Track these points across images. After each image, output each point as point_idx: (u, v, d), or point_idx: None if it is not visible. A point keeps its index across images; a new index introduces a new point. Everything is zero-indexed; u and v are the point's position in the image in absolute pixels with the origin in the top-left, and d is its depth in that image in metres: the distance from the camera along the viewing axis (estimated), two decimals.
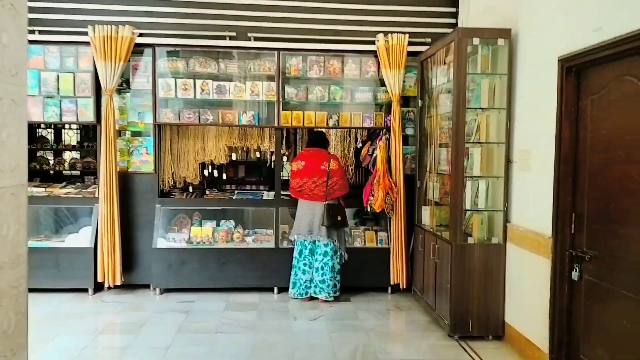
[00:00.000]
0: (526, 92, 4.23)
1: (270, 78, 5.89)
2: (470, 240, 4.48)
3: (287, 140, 6.39)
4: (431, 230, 5.19)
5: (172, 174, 6.17)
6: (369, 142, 6.38)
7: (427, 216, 5.53)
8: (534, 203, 4.06)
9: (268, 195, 6.19)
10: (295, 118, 5.87)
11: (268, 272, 5.82)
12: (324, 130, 6.36)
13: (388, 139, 5.90)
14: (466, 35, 4.39)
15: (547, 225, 3.80)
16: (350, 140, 6.39)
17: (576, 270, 3.56)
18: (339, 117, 5.94)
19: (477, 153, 4.51)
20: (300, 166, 5.43)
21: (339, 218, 5.41)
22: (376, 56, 5.82)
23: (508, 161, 4.45)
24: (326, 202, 5.35)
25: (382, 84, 5.97)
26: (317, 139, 5.66)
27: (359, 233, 6.04)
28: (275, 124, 5.86)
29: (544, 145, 3.89)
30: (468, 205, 4.50)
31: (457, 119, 4.41)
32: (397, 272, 5.80)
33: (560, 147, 3.68)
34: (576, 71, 3.61)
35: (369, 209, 5.79)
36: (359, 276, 5.89)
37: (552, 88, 3.76)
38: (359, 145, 6.40)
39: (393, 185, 5.72)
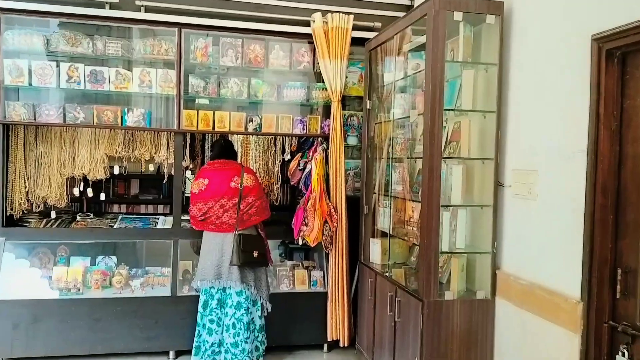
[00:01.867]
0: (528, 88, 3.03)
1: (167, 64, 4.34)
2: (447, 295, 3.19)
3: (191, 150, 4.84)
4: (385, 273, 3.86)
5: (27, 192, 4.41)
6: (300, 154, 4.98)
7: (377, 252, 4.21)
8: (544, 246, 2.84)
9: (164, 222, 4.61)
10: (203, 120, 4.36)
11: (162, 330, 4.23)
12: (237, 138, 4.89)
13: (326, 150, 4.54)
14: (445, 8, 3.12)
15: (572, 282, 2.58)
16: (275, 151, 4.96)
17: (623, 355, 2.36)
18: (261, 120, 4.50)
19: (456, 172, 3.25)
20: (202, 186, 3.91)
21: (256, 254, 3.92)
22: (311, 42, 4.44)
23: (498, 184, 3.22)
24: (237, 233, 3.87)
25: (319, 78, 4.60)
26: (226, 148, 4.16)
27: (286, 272, 4.60)
28: (175, 127, 4.32)
29: (561, 165, 2.69)
30: (445, 246, 3.22)
31: (433, 124, 3.12)
32: (337, 325, 4.42)
33: (596, 168, 2.48)
34: (621, 56, 2.43)
35: (300, 242, 4.37)
36: (287, 331, 4.45)
37: (580, 81, 2.56)
38: (287, 157, 4.98)
39: (332, 210, 4.35)
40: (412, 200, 4.02)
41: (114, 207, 6.32)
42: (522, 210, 3.03)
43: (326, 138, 4.61)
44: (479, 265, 3.32)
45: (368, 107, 4.32)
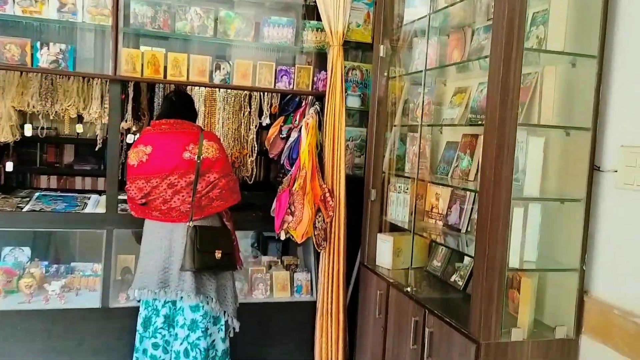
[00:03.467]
0: None
1: None
2: (515, 334, 2.10)
3: (135, 107, 3.57)
4: (406, 288, 2.76)
5: None
6: (283, 118, 3.79)
7: (387, 253, 3.10)
8: None
9: (97, 203, 3.37)
10: (151, 64, 3.11)
11: (88, 354, 3.04)
12: (198, 93, 3.65)
13: (319, 114, 3.37)
14: None
15: None
16: (250, 113, 3.74)
17: None
18: (232, 68, 3.27)
19: (535, 147, 2.12)
20: (143, 156, 2.70)
21: (219, 254, 2.75)
22: None
23: (594, 168, 2.13)
24: (192, 224, 2.69)
25: (313, 14, 3.41)
26: (180, 104, 2.96)
27: (260, 273, 3.45)
28: (110, 73, 3.05)
29: None
30: (515, 260, 2.11)
31: (507, 72, 1.97)
32: (328, 346, 3.32)
33: None
34: None
35: (283, 236, 3.22)
36: (261, 354, 3.33)
37: None
38: (265, 121, 3.78)
39: (327, 195, 3.20)
40: (436, 184, 2.93)
41: (41, 179, 5.00)
42: (633, 208, 1.95)
43: (320, 97, 3.43)
44: (557, 287, 2.24)
45: (380, 54, 3.14)
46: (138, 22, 3.09)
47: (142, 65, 3.11)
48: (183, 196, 2.68)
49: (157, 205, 2.67)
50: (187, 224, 2.68)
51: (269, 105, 3.74)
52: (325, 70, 3.42)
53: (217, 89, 3.55)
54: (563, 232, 2.20)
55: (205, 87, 3.38)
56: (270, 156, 3.82)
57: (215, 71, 3.25)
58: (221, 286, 2.86)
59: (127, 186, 2.72)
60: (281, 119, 3.83)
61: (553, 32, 2.08)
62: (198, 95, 3.59)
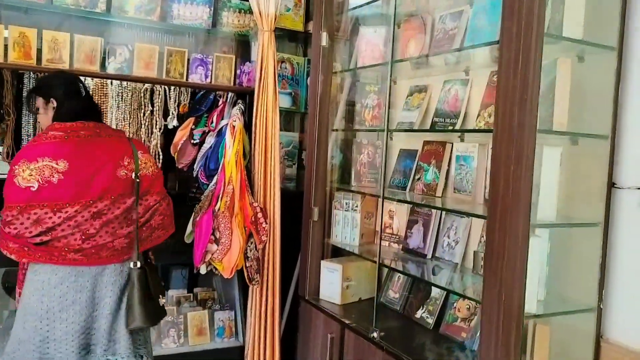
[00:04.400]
0: None
1: None
2: None
3: None
4: (364, 329, 2.23)
5: None
6: (193, 119, 3.09)
7: (335, 284, 2.55)
8: None
9: None
10: (19, 44, 2.30)
11: None
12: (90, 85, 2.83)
13: (244, 113, 2.74)
14: None
15: None
16: (153, 112, 2.98)
17: None
18: (131, 53, 2.53)
19: (551, 158, 1.68)
20: (53, 175, 1.83)
21: (162, 300, 2.09)
22: None
23: (612, 185, 1.75)
24: (139, 264, 1.97)
25: None
26: (92, 99, 2.16)
27: (170, 315, 2.74)
28: None
29: None
30: (532, 303, 1.65)
31: (526, 65, 1.51)
32: None
33: None
34: None
35: (204, 270, 2.53)
36: None
37: None
38: (173, 123, 3.04)
39: (260, 215, 2.58)
40: (389, 199, 2.47)
41: None
42: None
43: (242, 94, 2.81)
44: (568, 330, 1.84)
45: (322, 42, 2.58)
46: None
47: (6, 47, 2.28)
48: (114, 228, 1.91)
49: (71, 244, 1.84)
50: (132, 263, 1.93)
51: (176, 103, 3.00)
52: (250, 61, 2.81)
53: (109, 81, 2.76)
54: (575, 263, 1.81)
55: (94, 77, 2.58)
56: (179, 166, 3.09)
57: (109, 57, 2.49)
58: (148, 338, 2.14)
59: (5, 217, 1.85)
60: (191, 120, 3.12)
61: (570, 17, 1.67)
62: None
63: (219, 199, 2.53)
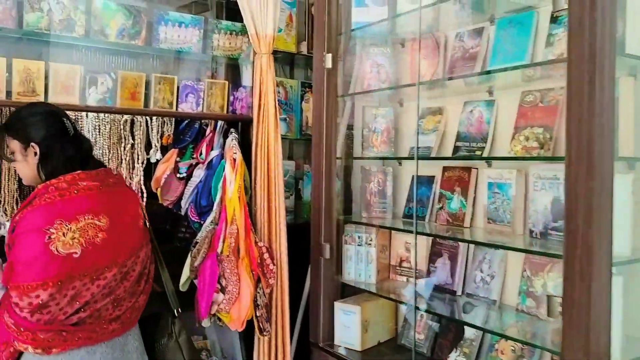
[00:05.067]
0: None
1: None
2: None
3: None
4: None
5: None
6: (176, 151, 2.82)
7: (354, 328, 2.33)
8: None
9: None
10: None
11: None
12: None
13: (239, 143, 2.50)
14: None
15: None
16: (134, 145, 2.67)
17: None
18: (115, 82, 2.25)
19: (622, 188, 1.54)
20: (97, 235, 1.51)
21: None
22: None
23: None
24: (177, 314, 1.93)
25: (221, 12, 2.55)
26: (81, 138, 1.75)
27: None
28: None
29: None
30: (617, 354, 1.50)
31: (602, 82, 1.37)
32: None
33: None
34: None
35: (208, 323, 2.25)
36: None
37: None
38: (156, 157, 2.75)
39: (267, 256, 2.33)
40: (404, 231, 2.30)
41: None
42: None
43: (234, 122, 2.57)
44: None
45: (327, 64, 2.38)
46: None
47: None
48: (137, 285, 1.65)
49: (103, 315, 1.53)
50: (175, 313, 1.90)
51: (159, 134, 2.72)
52: (243, 87, 2.58)
53: (84, 113, 2.45)
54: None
55: (74, 110, 2.28)
56: (165, 204, 2.80)
57: (90, 87, 2.20)
58: None
59: (33, 302, 1.43)
60: (174, 152, 2.83)
61: (632, 33, 1.55)
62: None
63: (221, 240, 2.26)
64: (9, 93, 2.04)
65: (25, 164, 1.62)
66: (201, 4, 2.50)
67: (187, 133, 2.85)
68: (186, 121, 2.81)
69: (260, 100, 2.40)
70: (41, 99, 2.09)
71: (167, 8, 2.41)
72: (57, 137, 1.61)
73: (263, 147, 2.39)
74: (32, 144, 1.59)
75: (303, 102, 2.86)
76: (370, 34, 2.44)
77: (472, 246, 2.14)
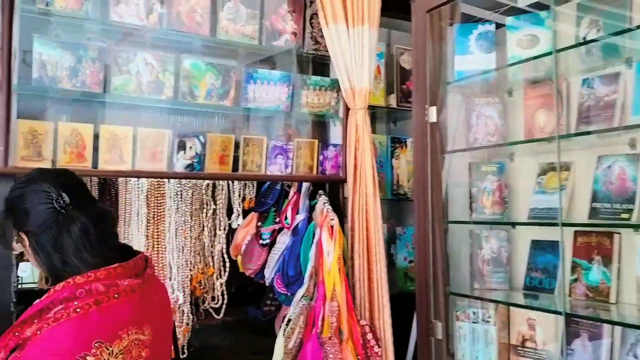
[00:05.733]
0: None
1: None
2: None
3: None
4: None
5: None
6: (257, 215, 2.63)
7: None
8: None
9: None
10: (71, 144, 1.83)
11: None
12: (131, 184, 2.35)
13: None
14: None
15: None
16: (216, 210, 2.49)
17: None
18: (204, 145, 2.07)
19: None
20: (144, 350, 1.13)
21: None
22: None
23: None
24: None
25: (308, 67, 2.39)
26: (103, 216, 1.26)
27: None
28: None
29: None
30: None
31: None
32: None
33: None
34: None
35: None
36: None
37: None
38: (238, 222, 2.56)
39: (370, 335, 2.05)
40: (527, 307, 1.98)
41: None
42: None
43: (321, 183, 2.36)
44: None
45: (432, 119, 2.15)
46: (47, 76, 1.81)
47: (55, 148, 1.81)
48: None
49: None
50: None
51: (240, 197, 2.54)
52: (331, 145, 2.38)
53: (165, 180, 2.30)
54: None
55: (162, 178, 2.13)
56: (247, 273, 2.59)
57: (178, 152, 2.04)
58: None
59: None
60: (254, 216, 2.66)
61: None
62: (134, 189, 2.30)
63: (320, 319, 2.00)
64: (95, 161, 1.89)
65: (27, 253, 1.22)
66: (286, 59, 2.34)
67: (268, 195, 2.67)
68: (267, 183, 2.63)
69: (355, 159, 2.19)
70: (128, 166, 1.94)
71: (255, 62, 2.26)
72: (51, 219, 1.16)
73: (361, 211, 2.15)
74: (20, 232, 1.20)
75: (393, 158, 2.64)
76: (476, 83, 2.22)
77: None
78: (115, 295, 1.11)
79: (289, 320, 2.14)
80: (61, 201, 1.16)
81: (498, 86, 2.22)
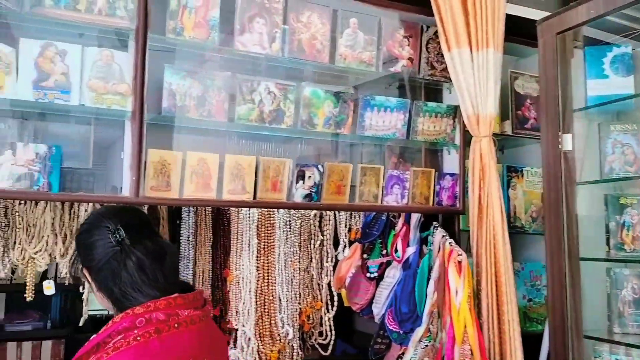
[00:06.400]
0: None
1: (107, 36, 1.76)
2: None
3: None
4: None
5: None
6: (360, 246, 2.54)
7: None
8: None
9: None
10: (197, 174, 1.80)
11: None
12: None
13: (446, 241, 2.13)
14: None
15: None
16: (324, 242, 2.41)
17: None
18: (321, 175, 2.00)
19: None
20: None
21: None
22: (415, 20, 2.16)
23: None
24: None
25: (429, 94, 2.30)
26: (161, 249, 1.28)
27: None
28: (129, 193, 1.67)
29: None
30: None
31: None
32: None
33: None
34: None
35: None
36: None
37: None
38: (344, 253, 2.47)
39: None
40: None
41: None
42: None
43: (433, 214, 2.24)
44: None
45: (567, 147, 2.00)
46: (175, 106, 1.79)
47: (182, 177, 1.78)
48: None
49: None
50: None
51: (347, 228, 2.45)
52: (449, 174, 2.25)
53: (275, 210, 2.24)
54: None
55: (283, 209, 2.08)
56: (355, 308, 2.49)
57: (297, 182, 1.97)
58: None
59: None
60: (357, 247, 2.57)
61: None
62: (245, 219, 2.24)
63: None
64: (220, 191, 1.85)
65: (92, 288, 1.27)
66: (407, 87, 2.25)
67: (374, 226, 2.57)
68: (373, 214, 2.54)
69: (480, 189, 2.06)
70: (250, 197, 1.88)
71: (374, 89, 2.18)
72: (109, 254, 1.20)
73: (488, 246, 2.01)
74: (83, 268, 1.26)
75: (510, 189, 2.49)
76: (610, 108, 2.06)
77: None
78: (176, 325, 1.13)
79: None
80: (117, 236, 1.20)
81: (637, 112, 2.05)
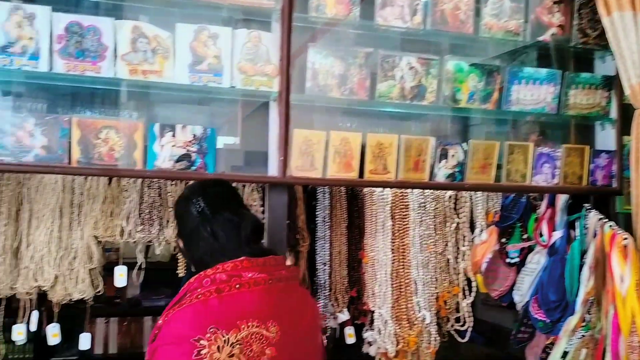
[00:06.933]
0: None
1: (253, 18, 1.77)
2: None
3: (289, 224, 2.18)
4: None
5: None
6: (497, 230, 2.39)
7: None
8: None
9: None
10: (340, 154, 1.77)
11: None
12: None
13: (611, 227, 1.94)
14: None
15: None
16: (459, 225, 2.31)
17: None
18: (466, 154, 1.90)
19: None
20: (268, 349, 1.17)
21: None
22: None
23: None
24: None
25: (582, 64, 2.10)
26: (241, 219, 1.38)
27: None
28: (276, 172, 1.69)
29: None
30: None
31: None
32: None
33: None
34: None
35: None
36: None
37: None
38: (482, 237, 2.35)
39: None
40: None
41: (97, 324, 3.54)
42: None
43: (582, 196, 2.05)
44: None
45: None
46: (317, 86, 1.77)
47: (326, 157, 1.76)
48: None
49: None
50: None
51: (484, 210, 2.33)
52: (604, 152, 2.05)
53: (409, 190, 2.17)
54: None
55: (425, 189, 2.02)
56: (493, 294, 2.37)
57: (440, 161, 1.88)
58: None
59: None
60: (493, 231, 2.42)
61: None
62: (379, 200, 2.20)
63: (615, 356, 1.70)
64: (361, 171, 1.81)
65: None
66: (557, 58, 2.07)
67: (513, 209, 2.42)
68: (512, 196, 2.39)
69: None
70: (392, 177, 1.83)
71: (520, 61, 2.04)
72: (193, 225, 1.33)
73: None
74: (177, 238, 1.44)
75: None
76: None
77: None
78: (237, 286, 1.18)
79: (565, 353, 1.87)
80: (198, 206, 1.32)
81: None
